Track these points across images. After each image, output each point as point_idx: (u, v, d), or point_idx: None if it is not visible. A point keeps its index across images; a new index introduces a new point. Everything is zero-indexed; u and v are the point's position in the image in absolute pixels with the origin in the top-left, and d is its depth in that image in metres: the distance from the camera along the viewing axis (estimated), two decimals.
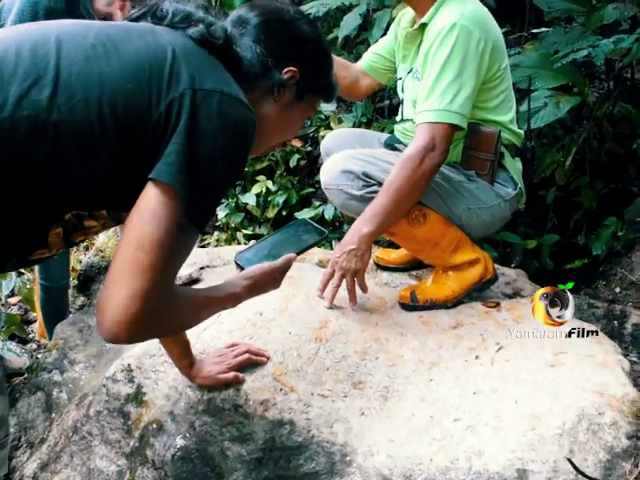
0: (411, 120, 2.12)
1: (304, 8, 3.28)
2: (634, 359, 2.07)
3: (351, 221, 3.11)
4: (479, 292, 2.11)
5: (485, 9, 2.05)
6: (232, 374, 1.64)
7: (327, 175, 2.06)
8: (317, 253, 2.50)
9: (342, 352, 1.79)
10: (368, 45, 3.11)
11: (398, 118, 2.28)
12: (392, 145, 2.26)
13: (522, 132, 2.18)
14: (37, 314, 2.95)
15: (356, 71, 2.41)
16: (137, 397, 1.79)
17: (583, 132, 2.90)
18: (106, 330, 1.02)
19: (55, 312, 2.70)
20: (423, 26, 2.03)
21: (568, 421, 1.51)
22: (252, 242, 1.65)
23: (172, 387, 1.73)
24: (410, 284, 2.25)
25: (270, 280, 1.40)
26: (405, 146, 2.15)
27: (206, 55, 1.14)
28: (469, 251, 2.08)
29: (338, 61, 2.35)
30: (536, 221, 3.00)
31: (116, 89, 1.03)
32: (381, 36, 3.03)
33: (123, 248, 1.03)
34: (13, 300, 3.38)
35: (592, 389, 1.62)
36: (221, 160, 1.06)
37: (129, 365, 1.84)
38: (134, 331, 1.02)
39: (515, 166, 2.15)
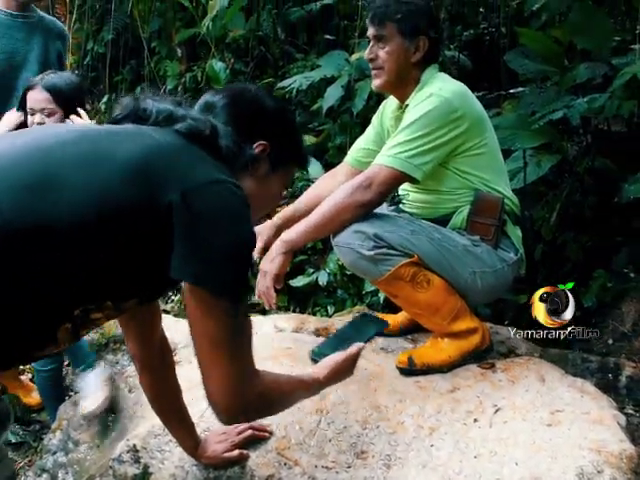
0: (406, 194, 2.23)
1: (288, 82, 3.40)
2: (630, 412, 2.11)
3: (344, 285, 3.19)
4: (474, 360, 2.14)
5: (465, 87, 2.15)
6: (237, 452, 1.67)
7: (339, 233, 2.10)
8: (312, 321, 2.54)
9: (343, 422, 1.82)
10: (351, 114, 3.22)
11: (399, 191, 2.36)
12: (398, 207, 2.32)
13: (517, 200, 2.25)
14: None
15: (341, 175, 2.42)
16: (144, 477, 1.80)
17: (565, 188, 2.99)
18: (222, 419, 1.28)
19: (52, 393, 2.71)
20: (406, 107, 2.14)
21: None
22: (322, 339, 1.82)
23: (178, 466, 1.76)
24: (406, 348, 2.28)
25: (345, 367, 1.56)
26: (409, 214, 2.23)
27: (194, 148, 1.20)
28: (468, 320, 2.12)
29: (325, 177, 2.51)
30: (525, 276, 3.06)
31: (112, 194, 1.09)
32: (363, 105, 3.16)
33: (201, 351, 1.18)
34: None
35: (590, 447, 1.66)
36: (235, 240, 1.14)
37: (134, 445, 1.86)
38: (241, 412, 1.25)
39: (516, 233, 2.21)
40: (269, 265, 2.07)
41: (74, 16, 4.88)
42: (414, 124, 2.03)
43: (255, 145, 1.33)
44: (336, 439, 1.78)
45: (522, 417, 1.82)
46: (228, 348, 1.16)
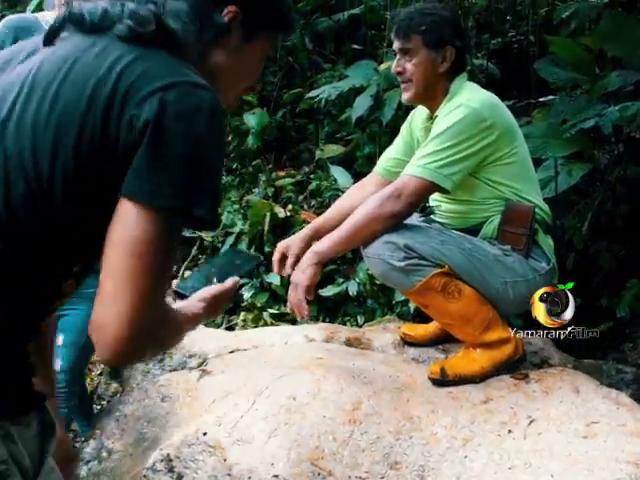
0: (438, 205, 2.25)
1: (317, 92, 3.42)
2: None
3: (374, 295, 3.19)
4: (507, 371, 2.13)
5: (494, 97, 2.15)
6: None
7: (369, 244, 2.10)
8: (343, 331, 2.55)
9: (376, 433, 1.82)
10: (380, 124, 3.23)
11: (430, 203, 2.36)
12: (430, 218, 2.33)
13: (549, 209, 2.24)
14: None
15: (370, 185, 2.42)
16: None
17: (597, 196, 2.97)
18: (109, 348, 0.95)
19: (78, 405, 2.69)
20: (436, 118, 2.14)
21: None
22: (188, 272, 1.65)
23: (212, 476, 1.77)
24: (438, 358, 2.28)
25: (221, 302, 1.35)
26: (440, 224, 2.23)
27: (142, 50, 1.00)
28: (500, 330, 2.11)
29: (354, 188, 2.50)
30: None
31: (66, 126, 0.96)
32: (392, 115, 3.16)
33: (113, 261, 0.94)
34: None
35: (626, 459, 1.64)
36: (204, 152, 0.98)
37: (168, 455, 1.88)
38: (136, 345, 0.96)
39: (547, 242, 2.19)
40: (300, 276, 2.08)
41: None
42: (443, 134, 2.04)
43: (223, 13, 1.11)
44: (369, 449, 1.78)
45: (557, 429, 1.80)
46: (157, 275, 0.96)
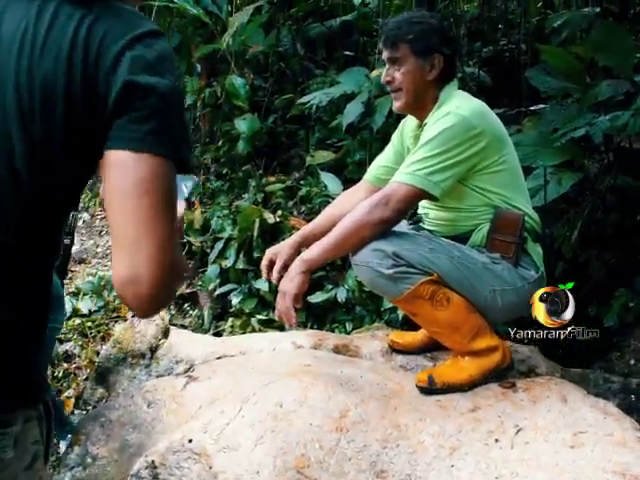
0: (426, 212, 2.24)
1: (308, 98, 3.41)
2: None
3: (362, 302, 3.18)
4: (495, 379, 2.11)
5: (483, 105, 2.15)
6: None
7: (358, 251, 2.09)
8: (331, 338, 2.54)
9: (363, 441, 1.81)
10: (371, 131, 3.23)
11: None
12: (418, 225, 2.32)
13: (538, 218, 2.24)
14: None
15: (360, 192, 2.40)
16: None
17: (587, 205, 2.97)
18: (148, 298, 0.94)
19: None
20: (425, 126, 2.14)
21: None
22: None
23: None
24: (426, 366, 2.27)
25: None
26: (429, 231, 2.23)
27: (94, 9, 0.98)
28: (488, 338, 2.10)
29: (344, 195, 2.51)
30: None
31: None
32: (383, 122, 3.16)
33: (123, 208, 0.94)
34: None
35: (614, 469, 1.63)
36: (179, 94, 1.03)
37: (153, 462, 1.86)
38: (170, 286, 0.98)
39: (536, 250, 2.18)
40: (289, 284, 2.06)
41: None
42: (432, 141, 2.03)
43: None
44: (356, 457, 1.76)
45: (544, 438, 1.79)
46: (168, 213, 0.96)
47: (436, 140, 2.03)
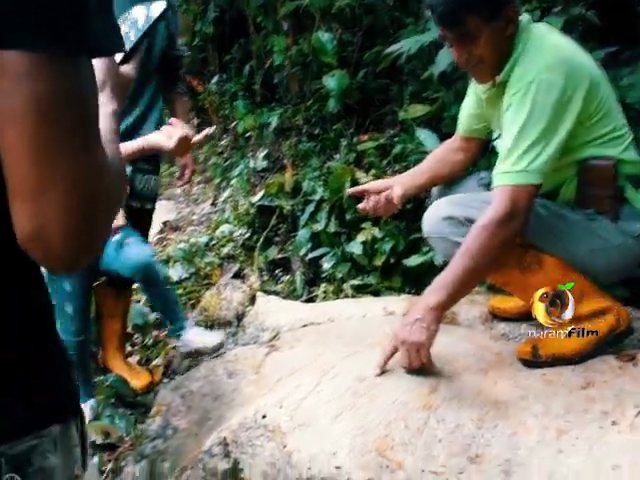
0: None
1: (396, 47, 3.18)
2: None
3: None
4: (610, 347, 1.90)
5: (568, 46, 1.88)
6: None
7: (428, 223, 1.98)
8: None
9: (455, 420, 1.61)
10: (466, 81, 2.96)
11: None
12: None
13: None
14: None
15: (456, 143, 2.31)
16: (234, 474, 1.68)
17: None
18: (64, 251, 0.69)
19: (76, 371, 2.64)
20: (501, 85, 1.91)
21: None
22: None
23: (269, 463, 1.63)
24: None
25: None
26: None
27: None
28: (597, 299, 1.88)
29: (440, 149, 2.38)
30: None
31: None
32: None
33: (18, 138, 0.65)
34: None
35: None
36: None
37: (225, 438, 1.75)
38: (92, 228, 0.70)
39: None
40: (424, 336, 1.75)
41: None
42: (527, 126, 1.79)
43: None
44: (447, 439, 1.57)
45: None
46: (78, 129, 0.67)
47: (530, 124, 1.78)
